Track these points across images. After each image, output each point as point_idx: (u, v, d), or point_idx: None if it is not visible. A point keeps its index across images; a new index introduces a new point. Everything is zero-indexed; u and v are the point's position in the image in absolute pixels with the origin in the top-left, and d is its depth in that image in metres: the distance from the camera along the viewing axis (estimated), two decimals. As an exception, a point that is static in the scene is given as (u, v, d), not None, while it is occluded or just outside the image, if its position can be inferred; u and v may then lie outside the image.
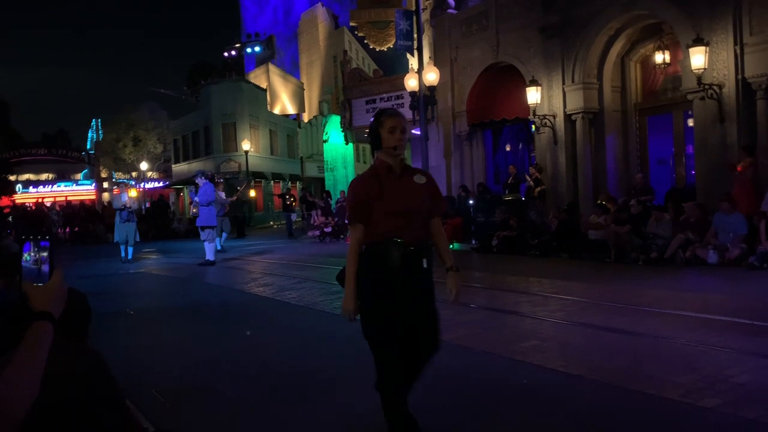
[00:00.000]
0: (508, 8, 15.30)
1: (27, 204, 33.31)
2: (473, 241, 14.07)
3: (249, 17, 63.55)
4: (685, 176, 13.39)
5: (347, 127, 21.04)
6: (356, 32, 23.82)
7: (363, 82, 20.92)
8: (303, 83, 50.10)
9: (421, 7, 15.97)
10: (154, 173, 45.63)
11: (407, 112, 14.51)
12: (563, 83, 13.97)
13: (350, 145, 23.52)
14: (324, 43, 47.55)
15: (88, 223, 26.26)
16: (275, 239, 20.85)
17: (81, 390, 1.73)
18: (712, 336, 5.15)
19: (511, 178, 15.13)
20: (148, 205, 31.84)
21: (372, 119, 3.13)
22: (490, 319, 6.38)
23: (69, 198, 41.55)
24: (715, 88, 11.11)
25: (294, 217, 22.72)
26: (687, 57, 11.31)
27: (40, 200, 37.13)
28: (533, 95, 14.12)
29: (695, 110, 11.71)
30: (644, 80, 14.00)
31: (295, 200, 23.31)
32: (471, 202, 15.20)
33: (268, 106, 40.34)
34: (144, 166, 40.10)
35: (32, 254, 1.54)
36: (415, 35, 15.85)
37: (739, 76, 10.90)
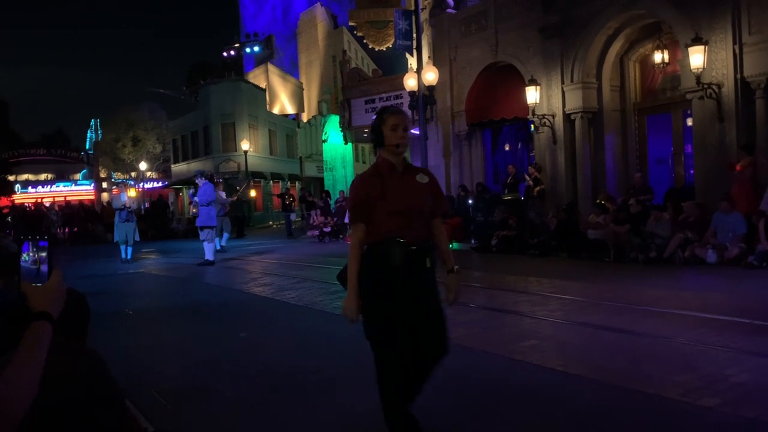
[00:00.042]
0: (507, 8, 15.30)
1: (26, 204, 33.29)
2: (472, 241, 14.07)
3: (248, 17, 63.53)
4: (684, 176, 13.39)
5: (346, 126, 21.03)
6: (355, 32, 23.83)
7: (362, 82, 20.92)
8: (302, 83, 50.08)
9: (420, 6, 15.97)
10: (153, 173, 45.61)
11: (406, 112, 14.50)
12: (562, 83, 13.98)
13: (349, 144, 23.51)
14: (323, 42, 47.54)
15: (87, 223, 26.25)
16: (274, 239, 20.85)
17: (80, 390, 1.73)
18: (711, 335, 5.15)
19: (510, 178, 15.14)
20: (147, 205, 31.83)
21: (374, 117, 3.09)
22: (490, 319, 6.38)
23: (68, 198, 41.54)
24: (714, 87, 11.12)
25: (293, 216, 22.72)
26: (686, 56, 11.32)
27: (39, 200, 37.12)
28: (532, 95, 14.13)
29: (694, 110, 11.72)
30: (643, 80, 14.00)
31: (294, 200, 23.31)
32: (470, 201, 15.21)
33: (267, 106, 40.34)
34: (143, 166, 40.09)
35: (31, 254, 1.53)
36: (414, 35, 15.83)
37: (738, 76, 10.91)
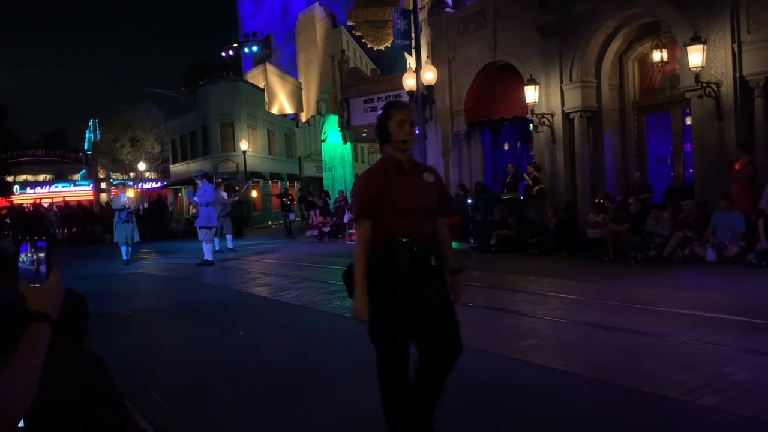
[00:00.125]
0: (505, 7, 15.31)
1: (24, 205, 33.26)
2: (472, 240, 14.07)
3: (246, 16, 63.47)
4: (683, 174, 13.40)
5: (345, 126, 21.03)
6: (354, 31, 23.81)
7: (361, 82, 20.93)
8: (301, 83, 50.05)
9: (419, 6, 15.97)
10: (152, 173, 45.59)
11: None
12: (561, 82, 13.98)
13: (348, 144, 23.50)
14: (322, 42, 47.51)
15: (85, 223, 26.22)
16: (273, 239, 20.84)
17: (78, 390, 1.73)
18: (710, 334, 5.15)
19: (509, 177, 15.14)
20: (146, 205, 31.80)
21: (380, 112, 3.00)
22: (489, 318, 6.38)
23: (67, 199, 41.51)
24: (712, 86, 11.13)
25: (292, 216, 22.71)
26: (685, 55, 11.32)
27: (37, 201, 37.07)
28: (531, 94, 14.13)
29: (693, 108, 11.73)
30: (642, 78, 14.01)
31: (293, 200, 23.30)
32: (469, 201, 15.21)
33: (266, 106, 40.31)
34: (142, 166, 40.06)
35: (29, 255, 1.53)
36: (413, 34, 15.84)
37: (737, 74, 10.92)
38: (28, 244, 1.54)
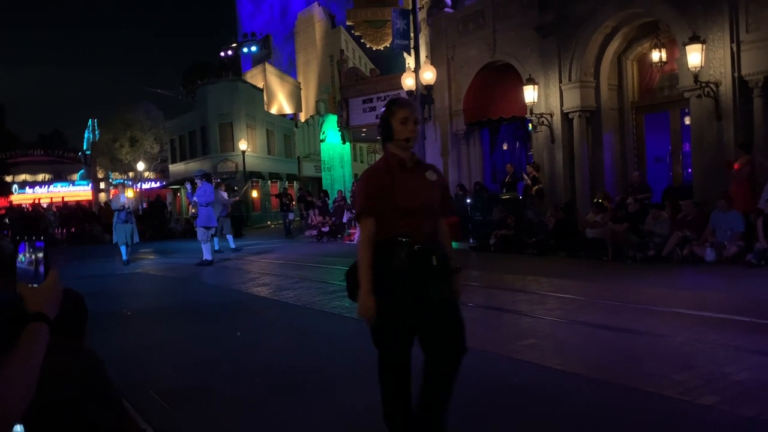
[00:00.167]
0: (504, 7, 15.30)
1: (23, 205, 33.23)
2: (471, 240, 14.07)
3: (245, 16, 63.43)
4: (682, 174, 13.41)
5: (344, 126, 21.03)
6: (353, 31, 23.80)
7: (360, 82, 20.93)
8: (300, 83, 50.03)
9: (418, 6, 15.97)
10: (151, 173, 45.56)
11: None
12: (560, 82, 13.98)
13: (347, 144, 23.50)
14: (321, 42, 47.49)
15: (84, 223, 26.20)
16: (272, 239, 20.83)
17: (77, 390, 1.73)
18: (710, 334, 5.15)
19: (508, 177, 15.14)
20: (145, 205, 31.80)
21: (383, 109, 2.93)
22: (488, 318, 6.38)
23: (65, 198, 41.47)
24: (711, 86, 11.13)
25: (291, 216, 22.71)
26: (683, 55, 11.33)
27: (36, 201, 37.04)
28: (530, 94, 14.13)
29: (692, 108, 11.73)
30: (641, 78, 14.01)
31: (292, 200, 23.29)
32: (468, 200, 15.21)
33: (265, 106, 40.30)
34: (141, 166, 40.04)
35: (27, 255, 1.52)
36: (412, 34, 15.86)
37: (736, 74, 10.92)
38: (27, 243, 1.53)
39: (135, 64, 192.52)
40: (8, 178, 44.77)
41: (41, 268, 1.51)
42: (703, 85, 11.13)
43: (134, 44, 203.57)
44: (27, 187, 46.82)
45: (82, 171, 48.41)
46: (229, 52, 56.36)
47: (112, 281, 11.44)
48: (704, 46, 11.04)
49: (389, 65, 31.67)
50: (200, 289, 10.01)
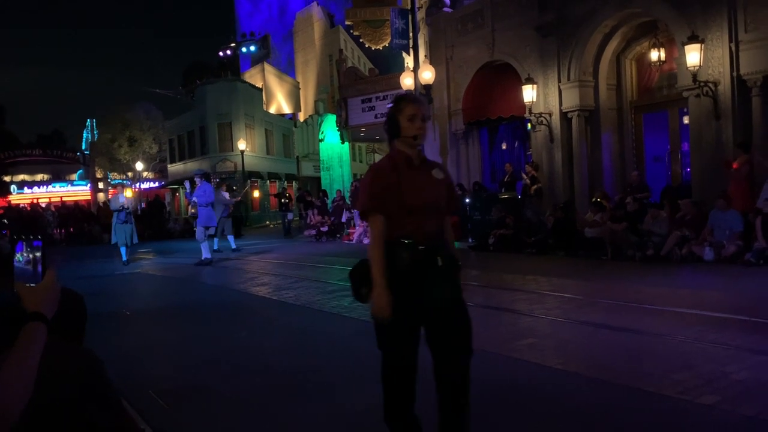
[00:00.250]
0: (503, 6, 15.30)
1: (22, 205, 33.19)
2: (470, 240, 14.07)
3: (244, 16, 63.40)
4: (680, 173, 13.41)
5: (343, 126, 21.02)
6: (352, 31, 23.79)
7: (359, 81, 20.92)
8: (299, 82, 50.02)
9: (417, 5, 15.97)
10: (150, 173, 45.52)
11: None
12: (559, 81, 13.98)
13: (346, 144, 23.48)
14: (319, 42, 47.48)
15: (83, 223, 26.18)
16: (271, 239, 20.82)
17: (76, 390, 1.72)
18: (709, 333, 5.15)
19: (507, 177, 15.13)
20: (143, 205, 31.78)
21: (389, 105, 2.85)
22: (487, 318, 6.37)
23: (64, 199, 41.43)
24: (710, 85, 11.13)
25: (290, 216, 22.70)
26: (682, 54, 11.33)
27: (35, 201, 37.00)
28: (529, 93, 14.12)
29: (690, 107, 11.73)
30: (640, 78, 14.01)
31: (290, 200, 23.28)
32: (467, 200, 15.20)
33: (264, 106, 40.28)
34: (139, 166, 39.99)
35: (25, 254, 1.52)
36: (411, 34, 15.85)
37: (735, 74, 10.92)
38: (24, 243, 1.53)
39: (134, 64, 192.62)
40: (7, 178, 44.71)
41: (39, 268, 1.51)
42: (702, 84, 11.13)
43: (134, 44, 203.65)
44: (25, 187, 46.77)
45: (81, 171, 48.34)
46: (228, 52, 56.38)
47: (111, 281, 11.43)
48: (703, 45, 11.04)
49: (388, 65, 31.68)
50: (199, 289, 10.01)
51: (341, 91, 21.29)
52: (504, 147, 17.29)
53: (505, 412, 3.76)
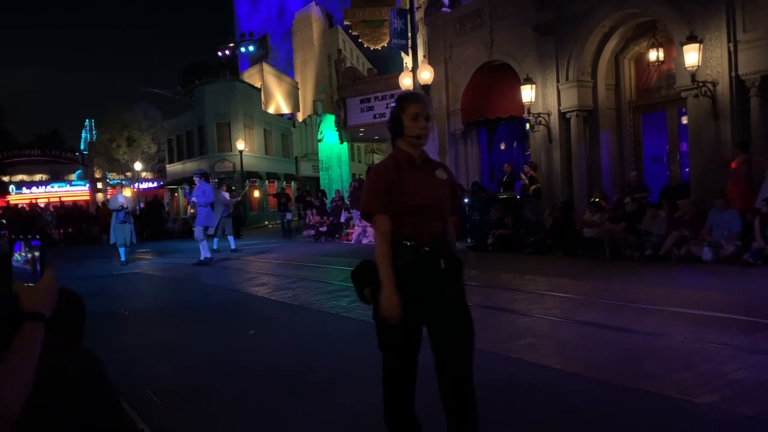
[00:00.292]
0: (501, 6, 15.30)
1: (20, 205, 33.16)
2: (468, 240, 14.07)
3: (242, 15, 63.40)
4: (679, 173, 13.42)
5: (342, 126, 21.02)
6: (350, 31, 23.81)
7: (357, 81, 20.92)
8: (297, 82, 50.02)
9: (415, 5, 15.97)
10: (149, 173, 45.51)
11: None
12: (557, 81, 13.99)
13: (345, 144, 23.50)
14: (318, 42, 47.49)
15: (82, 224, 26.16)
16: (270, 239, 20.82)
17: (74, 389, 1.72)
18: (708, 333, 5.16)
19: (506, 177, 15.14)
20: (142, 205, 31.78)
21: (392, 104, 2.81)
22: (486, 318, 6.37)
23: (63, 199, 41.41)
24: (708, 85, 11.14)
25: (289, 216, 22.70)
26: (681, 54, 11.34)
27: (33, 201, 36.98)
28: (527, 93, 14.13)
29: (689, 108, 11.74)
30: (638, 78, 14.02)
31: (289, 200, 23.29)
32: (466, 200, 15.20)
33: (263, 106, 40.29)
34: (138, 166, 39.99)
35: (23, 254, 1.52)
36: (410, 34, 15.86)
37: (733, 74, 10.93)
38: (22, 243, 1.53)
39: (134, 64, 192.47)
40: (5, 178, 44.67)
41: (37, 267, 1.51)
42: (701, 84, 11.14)
43: (133, 44, 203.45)
44: (24, 187, 46.73)
45: (79, 171, 48.31)
46: (227, 52, 56.30)
47: (110, 281, 11.42)
48: (701, 45, 11.05)
49: (387, 65, 31.69)
50: (198, 289, 10.00)
51: (340, 91, 21.29)
52: (502, 147, 17.29)
53: (504, 412, 3.76)
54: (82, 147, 47.84)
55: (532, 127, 14.74)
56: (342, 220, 18.97)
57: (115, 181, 41.52)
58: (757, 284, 7.70)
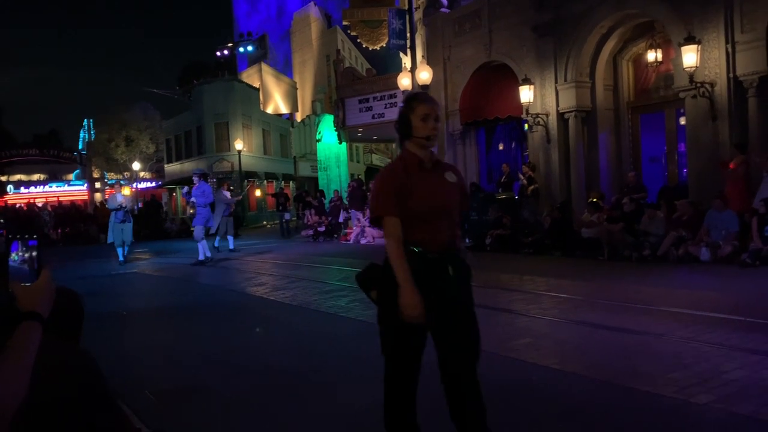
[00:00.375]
0: (500, 7, 15.31)
1: (18, 205, 33.11)
2: (467, 240, 14.06)
3: (241, 15, 63.37)
4: (677, 174, 13.43)
5: (340, 126, 21.01)
6: (349, 31, 23.80)
7: (356, 81, 20.91)
8: (296, 82, 50.01)
9: (414, 6, 15.97)
10: (147, 173, 45.47)
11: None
12: (556, 82, 14.00)
13: (343, 144, 23.49)
14: (317, 42, 47.48)
15: (80, 223, 26.12)
16: (268, 239, 20.81)
17: (71, 389, 1.72)
18: (705, 333, 5.17)
19: (504, 177, 15.15)
20: (140, 205, 31.76)
21: (401, 105, 2.76)
22: (484, 318, 6.32)
23: (61, 198, 41.34)
24: (706, 86, 11.16)
25: (288, 216, 22.69)
26: (679, 55, 11.35)
27: (31, 201, 36.91)
28: (526, 94, 14.13)
29: (687, 108, 11.76)
30: (636, 79, 14.04)
31: (288, 200, 23.29)
32: (465, 200, 15.20)
33: (261, 106, 40.27)
34: (136, 166, 39.96)
35: (20, 254, 1.52)
36: (408, 34, 15.85)
37: (731, 74, 10.94)
38: (19, 242, 1.53)
39: (133, 64, 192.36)
40: (3, 178, 44.60)
41: (35, 267, 1.51)
42: (699, 85, 11.16)
43: (133, 44, 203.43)
44: (22, 187, 46.63)
45: (78, 171, 48.25)
46: (225, 52, 56.28)
47: (108, 281, 11.41)
48: (699, 46, 11.06)
49: (385, 65, 31.71)
50: (197, 289, 10.00)
51: (338, 92, 21.28)
52: (501, 147, 17.30)
53: (502, 411, 3.76)
54: (80, 147, 47.77)
55: (530, 127, 14.75)
56: (340, 220, 18.98)
57: (113, 181, 41.52)
58: (754, 284, 7.71)
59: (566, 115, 14.01)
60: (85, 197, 42.91)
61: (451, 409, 2.66)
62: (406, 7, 15.69)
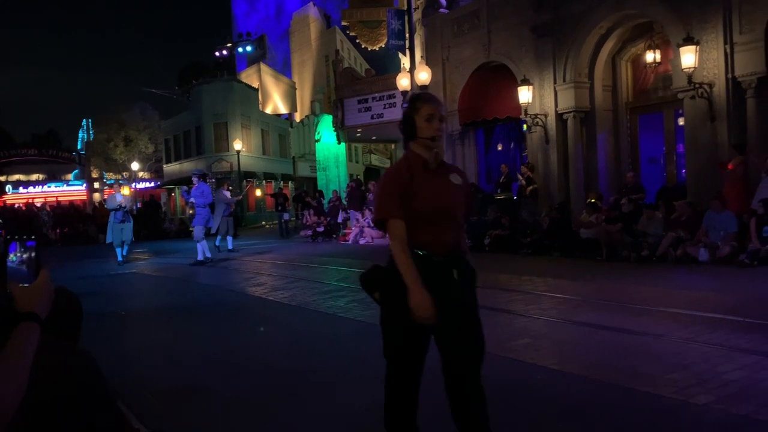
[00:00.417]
0: (499, 7, 15.32)
1: (17, 205, 33.07)
2: (465, 240, 14.07)
3: (240, 16, 63.37)
4: (675, 175, 13.45)
5: (339, 126, 21.02)
6: (348, 31, 23.81)
7: (355, 82, 20.91)
8: (295, 82, 50.01)
9: (413, 6, 15.98)
10: (146, 173, 45.44)
11: (399, 112, 14.55)
12: (555, 82, 14.01)
13: (342, 144, 23.49)
14: (316, 42, 47.48)
15: (79, 223, 26.09)
16: (267, 239, 20.80)
17: (69, 390, 1.72)
18: (703, 333, 5.17)
19: (503, 177, 15.16)
20: (139, 205, 31.72)
21: (405, 105, 2.74)
22: (483, 318, 6.33)
23: (59, 198, 41.30)
24: (705, 87, 11.17)
25: (287, 216, 22.69)
26: (677, 56, 11.36)
27: (30, 201, 36.86)
28: (525, 94, 14.14)
29: (686, 109, 11.77)
30: (635, 79, 14.05)
31: (287, 200, 23.29)
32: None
33: (260, 106, 40.26)
34: (135, 166, 39.92)
35: (18, 254, 1.51)
36: (407, 35, 15.87)
37: (729, 75, 10.96)
38: (18, 243, 1.52)
39: (132, 64, 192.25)
40: (2, 178, 44.57)
41: (33, 267, 1.50)
42: (697, 86, 11.17)
43: (132, 44, 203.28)
44: (20, 187, 46.60)
45: (76, 171, 48.19)
46: (224, 52, 56.30)
47: (107, 282, 11.40)
48: (698, 47, 11.07)
49: (384, 65, 31.71)
50: (196, 290, 9.99)
51: (338, 92, 21.28)
52: (500, 148, 17.31)
53: (501, 411, 3.76)
54: (79, 147, 47.71)
55: (529, 128, 14.76)
56: (339, 220, 18.97)
57: (112, 181, 41.49)
58: (752, 285, 7.72)
59: (565, 116, 14.01)
60: (84, 197, 42.85)
61: (453, 411, 2.65)
62: (405, 8, 15.71)
